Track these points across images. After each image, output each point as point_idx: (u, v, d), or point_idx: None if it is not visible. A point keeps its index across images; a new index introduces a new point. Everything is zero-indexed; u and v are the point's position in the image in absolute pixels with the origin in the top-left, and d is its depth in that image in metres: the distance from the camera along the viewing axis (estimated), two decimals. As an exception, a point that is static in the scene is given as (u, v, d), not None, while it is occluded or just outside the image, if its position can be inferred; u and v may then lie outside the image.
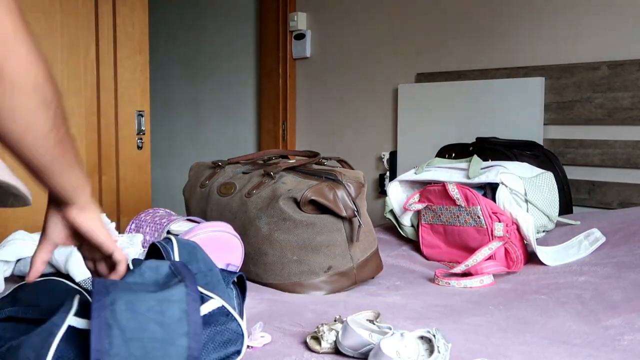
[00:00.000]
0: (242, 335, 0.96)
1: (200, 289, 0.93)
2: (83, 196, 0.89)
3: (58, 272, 1.42)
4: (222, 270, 1.08)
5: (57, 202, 0.90)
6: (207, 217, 1.69)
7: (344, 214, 1.49)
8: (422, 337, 1.00)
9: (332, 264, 1.52)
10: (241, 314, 1.02)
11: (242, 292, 1.09)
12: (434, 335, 0.98)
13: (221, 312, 0.94)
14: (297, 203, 1.50)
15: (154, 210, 1.69)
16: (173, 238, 1.08)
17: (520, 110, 2.49)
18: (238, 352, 0.95)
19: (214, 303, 0.94)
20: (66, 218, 0.91)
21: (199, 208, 1.73)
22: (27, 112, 0.71)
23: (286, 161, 1.70)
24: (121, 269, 0.97)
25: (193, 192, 1.76)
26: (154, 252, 1.09)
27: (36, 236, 1.48)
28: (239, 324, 0.95)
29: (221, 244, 1.47)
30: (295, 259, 1.51)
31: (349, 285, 1.54)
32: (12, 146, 0.74)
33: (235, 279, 1.08)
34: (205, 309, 0.92)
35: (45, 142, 0.75)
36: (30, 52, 0.69)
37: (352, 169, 1.67)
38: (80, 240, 0.94)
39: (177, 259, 1.02)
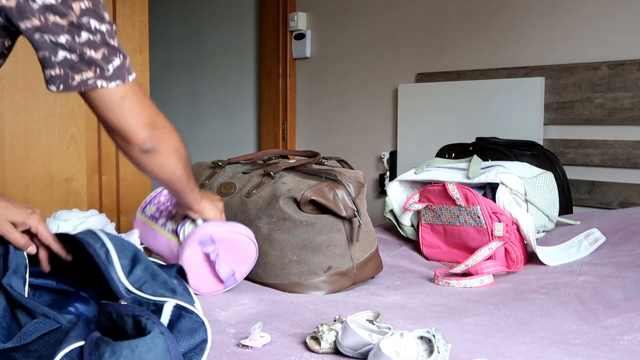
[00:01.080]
0: (203, 323, 0.97)
1: (151, 297, 0.97)
2: (198, 203, 1.41)
3: None
4: (160, 265, 1.10)
5: (182, 207, 1.43)
6: None
7: (344, 214, 1.49)
8: (421, 337, 1.00)
9: (332, 264, 1.52)
10: (192, 302, 1.02)
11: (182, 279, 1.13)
12: (434, 336, 0.98)
13: (179, 308, 0.96)
14: (297, 203, 1.50)
15: (160, 194, 1.64)
16: (103, 236, 1.06)
17: (520, 110, 2.49)
18: (205, 341, 0.96)
19: (169, 305, 0.96)
20: (189, 214, 1.44)
21: (199, 208, 1.73)
22: (180, 169, 1.24)
23: (286, 161, 1.69)
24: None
25: None
26: (76, 247, 1.08)
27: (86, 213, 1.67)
28: (197, 314, 0.97)
29: (238, 249, 1.46)
30: (295, 259, 1.51)
31: (349, 285, 1.54)
32: (165, 184, 1.28)
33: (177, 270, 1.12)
34: (165, 316, 0.95)
35: (184, 180, 1.28)
36: (171, 132, 1.18)
37: (352, 169, 1.67)
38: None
39: (116, 262, 1.02)
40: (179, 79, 4.15)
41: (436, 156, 2.34)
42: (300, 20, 3.42)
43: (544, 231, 1.88)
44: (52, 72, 1.02)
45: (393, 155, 3.00)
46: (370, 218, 1.61)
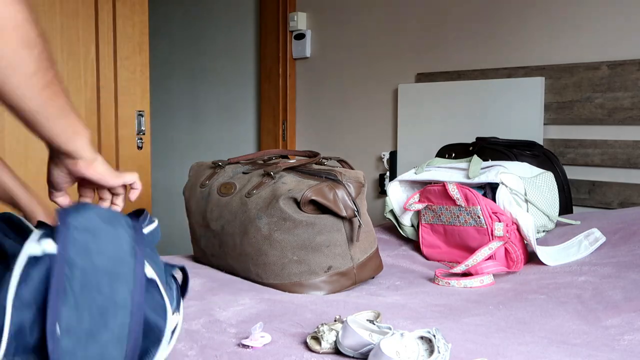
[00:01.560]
0: (166, 309, 0.86)
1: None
2: (86, 149, 0.89)
3: None
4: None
5: (59, 156, 0.90)
6: (207, 217, 1.69)
7: (344, 213, 1.49)
8: (422, 337, 1.00)
9: (332, 264, 1.52)
10: (177, 308, 0.92)
11: (184, 288, 0.99)
12: (434, 336, 0.98)
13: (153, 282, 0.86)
14: (297, 203, 1.50)
15: None
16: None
17: (520, 110, 2.49)
18: (161, 329, 0.86)
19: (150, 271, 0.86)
20: (73, 171, 0.92)
21: (199, 208, 1.73)
22: (8, 51, 0.69)
23: (286, 161, 1.69)
24: (136, 189, 1.02)
25: (193, 192, 1.76)
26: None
27: None
28: (165, 299, 0.86)
29: None
30: (295, 259, 1.51)
31: (349, 285, 1.54)
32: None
33: (178, 273, 0.99)
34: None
35: (31, 84, 0.73)
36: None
37: (352, 169, 1.67)
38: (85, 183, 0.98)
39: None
40: (179, 79, 4.15)
41: (436, 156, 2.34)
42: (300, 20, 3.42)
43: (544, 231, 1.88)
44: None
45: (393, 155, 3.00)
46: (370, 218, 1.61)
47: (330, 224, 1.52)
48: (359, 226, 1.51)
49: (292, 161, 1.66)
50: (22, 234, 0.93)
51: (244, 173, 1.68)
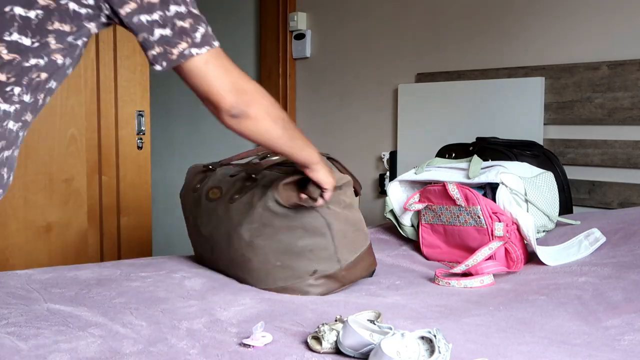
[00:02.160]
0: None
1: None
2: (313, 162, 1.38)
3: None
4: None
5: (302, 167, 1.40)
6: (198, 223, 1.67)
7: (315, 195, 1.43)
8: (422, 338, 1.00)
9: (318, 268, 1.49)
10: None
11: None
12: (435, 336, 0.98)
13: None
14: (277, 202, 1.48)
15: None
16: None
17: (520, 110, 2.49)
18: None
19: None
20: (307, 174, 1.41)
21: (192, 213, 1.70)
22: (265, 129, 1.20)
23: (269, 159, 1.66)
24: (326, 195, 1.44)
25: (187, 196, 1.73)
26: None
27: None
28: None
29: None
30: (278, 264, 1.49)
31: (338, 287, 1.52)
32: (266, 147, 1.27)
33: None
34: None
35: (280, 140, 1.25)
36: (261, 96, 1.19)
37: (344, 167, 1.65)
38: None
39: None
40: (179, 79, 4.14)
41: (436, 156, 2.34)
42: (300, 20, 3.42)
43: (544, 231, 1.89)
44: (153, 52, 1.09)
45: (393, 155, 3.00)
46: (362, 216, 1.59)
47: (312, 229, 1.49)
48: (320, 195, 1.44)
49: (275, 158, 1.64)
50: None
51: (230, 176, 1.65)
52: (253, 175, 1.57)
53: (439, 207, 1.82)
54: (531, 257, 1.71)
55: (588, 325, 1.23)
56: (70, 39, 1.04)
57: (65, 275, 1.57)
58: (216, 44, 1.13)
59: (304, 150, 1.35)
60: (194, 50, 1.10)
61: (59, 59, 1.04)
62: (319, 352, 1.05)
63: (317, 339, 1.07)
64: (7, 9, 0.99)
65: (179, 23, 1.08)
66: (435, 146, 2.48)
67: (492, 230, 1.70)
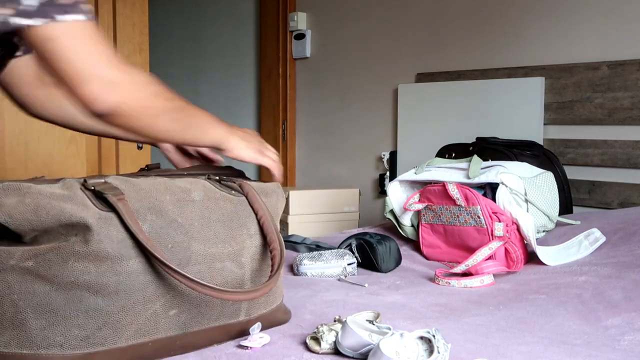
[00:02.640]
0: None
1: None
2: (224, 141, 1.15)
3: None
4: None
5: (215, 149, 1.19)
6: None
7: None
8: (421, 338, 1.00)
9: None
10: None
11: None
12: (434, 336, 0.97)
13: None
14: None
15: None
16: None
17: (520, 110, 2.49)
18: None
19: None
20: (226, 155, 1.18)
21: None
22: (146, 125, 0.99)
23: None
24: (274, 174, 1.24)
25: None
26: None
27: None
28: None
29: None
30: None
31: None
32: (145, 135, 1.05)
33: None
34: None
35: (170, 133, 1.05)
36: (132, 83, 0.96)
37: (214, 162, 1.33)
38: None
39: None
40: (179, 79, 4.15)
41: (436, 156, 2.34)
42: (300, 20, 3.42)
43: (544, 231, 1.88)
44: None
45: (393, 155, 3.00)
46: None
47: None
48: None
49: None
50: None
51: None
52: None
53: (439, 207, 1.81)
54: (531, 257, 1.71)
55: (588, 324, 1.23)
56: None
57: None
58: (67, 17, 0.90)
59: (208, 132, 1.13)
60: (15, 20, 0.89)
61: None
62: (317, 353, 1.05)
63: (316, 339, 1.07)
64: None
65: None
66: (435, 146, 2.48)
67: (492, 230, 1.70)
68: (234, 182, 1.12)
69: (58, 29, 0.89)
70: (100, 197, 0.93)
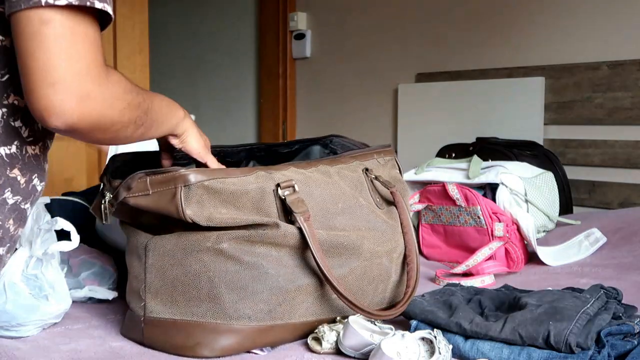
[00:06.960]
0: None
1: None
2: (175, 128, 1.13)
3: None
4: None
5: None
6: None
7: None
8: (423, 338, 1.00)
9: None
10: None
11: None
12: (435, 337, 0.98)
13: None
14: None
15: None
16: None
17: (520, 110, 2.49)
18: None
19: None
20: (174, 143, 1.16)
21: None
22: (118, 118, 0.88)
23: None
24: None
25: None
26: None
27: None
28: None
29: None
30: None
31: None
32: (103, 144, 1.02)
33: None
34: None
35: (137, 133, 0.95)
36: (106, 102, 0.84)
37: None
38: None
39: None
40: (179, 79, 4.15)
41: (436, 156, 2.34)
42: (300, 20, 3.42)
43: (544, 231, 1.88)
44: None
45: (393, 155, 3.00)
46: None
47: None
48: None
49: None
50: None
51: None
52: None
53: (438, 207, 1.81)
54: (531, 258, 1.71)
55: (588, 325, 1.23)
56: None
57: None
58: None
59: (160, 126, 1.06)
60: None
61: None
62: (319, 353, 1.05)
63: (317, 339, 1.07)
64: None
65: None
66: (435, 146, 2.48)
67: (492, 231, 1.70)
68: (387, 187, 1.30)
69: (56, 12, 0.77)
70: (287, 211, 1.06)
